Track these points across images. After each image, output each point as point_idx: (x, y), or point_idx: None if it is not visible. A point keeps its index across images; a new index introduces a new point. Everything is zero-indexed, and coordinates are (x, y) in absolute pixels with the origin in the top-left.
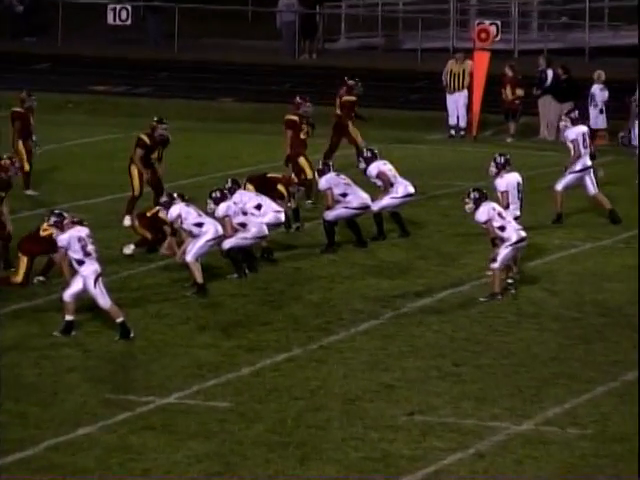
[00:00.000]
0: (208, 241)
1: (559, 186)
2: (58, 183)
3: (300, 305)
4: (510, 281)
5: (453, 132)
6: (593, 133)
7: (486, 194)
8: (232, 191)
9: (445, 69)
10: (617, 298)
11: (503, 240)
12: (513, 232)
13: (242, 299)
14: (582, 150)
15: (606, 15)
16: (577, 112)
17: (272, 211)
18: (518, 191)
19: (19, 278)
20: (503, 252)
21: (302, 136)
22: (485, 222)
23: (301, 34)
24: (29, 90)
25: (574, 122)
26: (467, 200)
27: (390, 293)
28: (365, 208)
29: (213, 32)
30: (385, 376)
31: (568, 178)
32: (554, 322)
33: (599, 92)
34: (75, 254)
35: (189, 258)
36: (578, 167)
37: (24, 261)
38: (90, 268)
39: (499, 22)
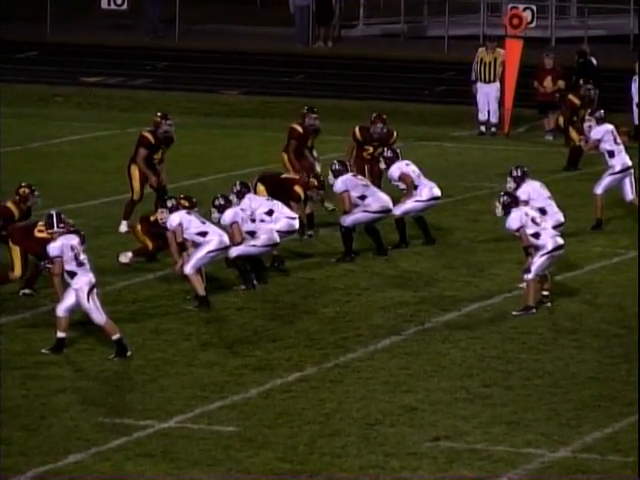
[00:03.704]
0: (210, 252)
1: (599, 189)
2: (44, 184)
3: (314, 320)
4: (545, 293)
5: (483, 128)
6: (638, 129)
7: (518, 198)
8: (240, 195)
9: (475, 58)
10: None
11: (537, 248)
12: (549, 239)
13: (250, 313)
14: (614, 148)
15: None
16: (602, 111)
17: (285, 217)
18: (547, 197)
19: (17, 272)
20: (538, 261)
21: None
22: (517, 229)
23: (316, 20)
24: None
25: (599, 122)
26: (497, 204)
27: (413, 307)
28: (386, 212)
29: (218, 17)
30: (407, 398)
31: (607, 180)
32: (594, 339)
33: (636, 84)
34: (67, 265)
35: (188, 270)
36: (618, 167)
37: (16, 252)
38: (83, 280)
39: (534, 7)
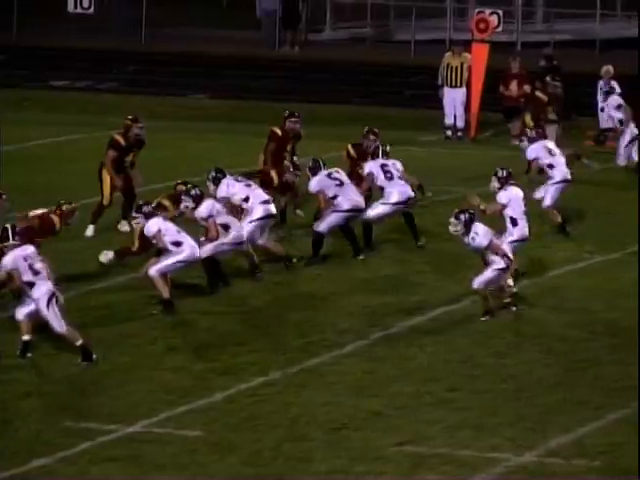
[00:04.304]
0: (178, 262)
1: (547, 202)
2: (12, 188)
3: (279, 324)
4: (507, 300)
5: (450, 133)
6: (603, 133)
7: (474, 215)
8: (217, 181)
9: (442, 63)
10: (630, 316)
11: (491, 263)
12: (501, 258)
13: (216, 317)
14: (552, 160)
15: (619, 4)
16: (539, 130)
17: (260, 203)
18: (524, 206)
19: None
20: (489, 275)
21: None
22: (487, 247)
23: (283, 24)
24: None
25: (532, 140)
26: (455, 222)
27: (379, 311)
28: (358, 211)
29: (185, 21)
30: (373, 402)
31: (551, 190)
32: (560, 343)
33: (604, 88)
34: (23, 276)
35: (152, 272)
36: (558, 177)
37: None
38: (41, 289)
39: (500, 11)
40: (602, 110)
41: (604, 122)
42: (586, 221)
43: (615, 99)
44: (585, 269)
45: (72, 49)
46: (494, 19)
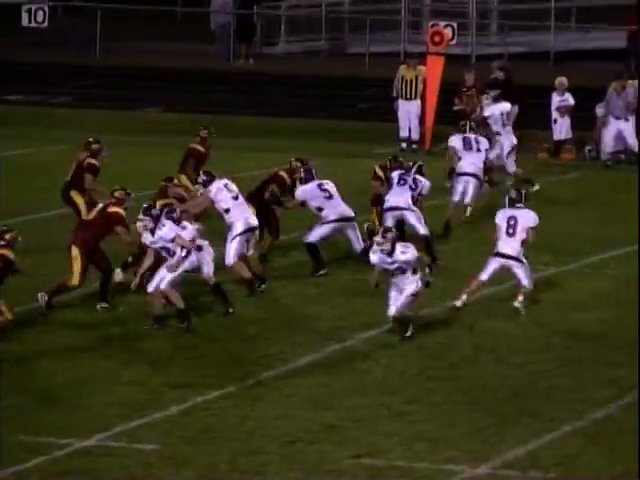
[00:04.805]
0: (185, 271)
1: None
2: None
3: (235, 337)
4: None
5: (404, 145)
6: (557, 146)
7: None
8: (207, 183)
9: (396, 76)
10: (585, 329)
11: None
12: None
13: (171, 331)
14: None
15: (573, 16)
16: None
17: (243, 216)
18: (508, 225)
19: None
20: (404, 300)
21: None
22: (415, 261)
23: (237, 37)
24: None
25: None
26: (381, 240)
27: (334, 324)
28: (346, 219)
29: (139, 35)
30: (328, 415)
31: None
32: (515, 355)
33: (558, 100)
34: None
35: (164, 287)
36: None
37: None
38: None
39: (455, 24)
40: (555, 122)
41: (557, 134)
42: (541, 233)
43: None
44: (540, 281)
45: (26, 63)
46: (449, 32)
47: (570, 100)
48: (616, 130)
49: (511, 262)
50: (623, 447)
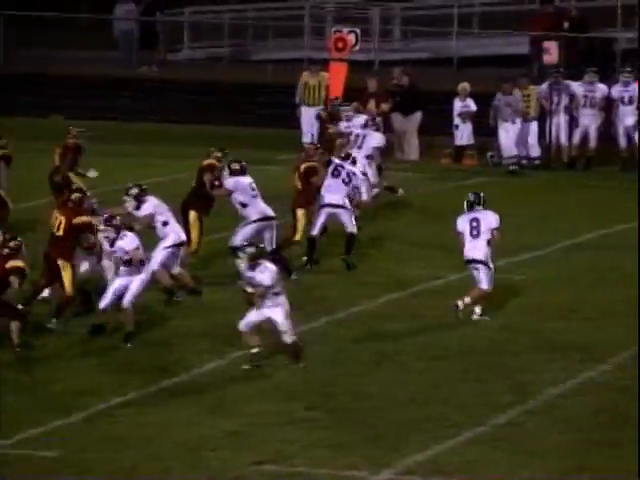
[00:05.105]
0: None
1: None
2: None
3: (137, 344)
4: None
5: None
6: (459, 151)
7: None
8: (140, 198)
9: (299, 82)
10: (487, 334)
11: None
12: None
13: (72, 338)
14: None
15: (476, 22)
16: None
17: (173, 232)
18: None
19: None
20: (254, 318)
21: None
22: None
23: (140, 43)
24: None
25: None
26: (242, 255)
27: (237, 331)
28: (267, 219)
29: (43, 42)
30: (230, 422)
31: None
32: (416, 361)
33: (460, 106)
34: None
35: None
36: (254, 217)
37: None
38: None
39: (358, 30)
40: (457, 128)
41: (459, 140)
42: (444, 239)
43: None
44: (440, 287)
45: None
46: (352, 38)
47: (472, 106)
48: (507, 133)
49: (478, 266)
50: (525, 452)
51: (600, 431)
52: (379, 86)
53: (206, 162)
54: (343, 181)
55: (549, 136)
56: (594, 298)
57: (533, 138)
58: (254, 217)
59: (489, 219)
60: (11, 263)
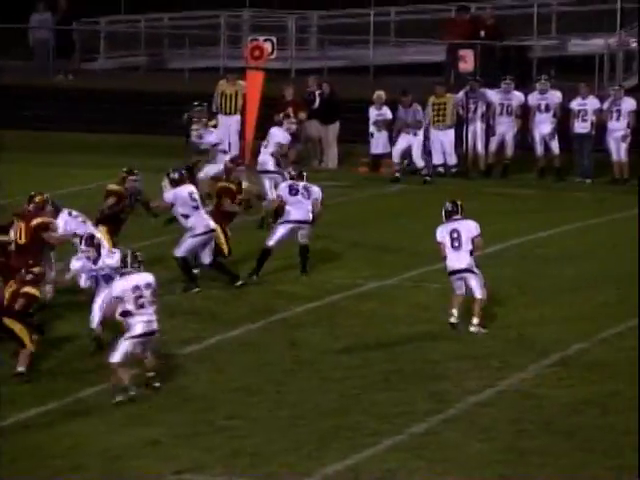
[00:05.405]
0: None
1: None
2: None
3: (55, 353)
4: (151, 374)
5: None
6: (375, 160)
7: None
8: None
9: (216, 91)
10: (404, 342)
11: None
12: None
13: None
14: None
15: (392, 30)
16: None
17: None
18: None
19: None
20: (123, 345)
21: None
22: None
23: (56, 53)
24: None
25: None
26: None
27: (155, 339)
28: (210, 231)
29: None
30: (150, 431)
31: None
32: (335, 370)
33: (376, 114)
34: None
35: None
36: (200, 230)
37: None
38: None
39: (274, 38)
40: (372, 136)
41: (374, 148)
42: (360, 247)
43: None
44: (360, 295)
45: None
46: (268, 46)
47: (388, 114)
48: (407, 144)
49: (465, 274)
50: (445, 461)
51: (520, 440)
52: (296, 94)
53: (109, 187)
54: (302, 196)
55: (466, 144)
56: (513, 306)
57: (450, 146)
58: (200, 230)
59: (469, 228)
60: None
